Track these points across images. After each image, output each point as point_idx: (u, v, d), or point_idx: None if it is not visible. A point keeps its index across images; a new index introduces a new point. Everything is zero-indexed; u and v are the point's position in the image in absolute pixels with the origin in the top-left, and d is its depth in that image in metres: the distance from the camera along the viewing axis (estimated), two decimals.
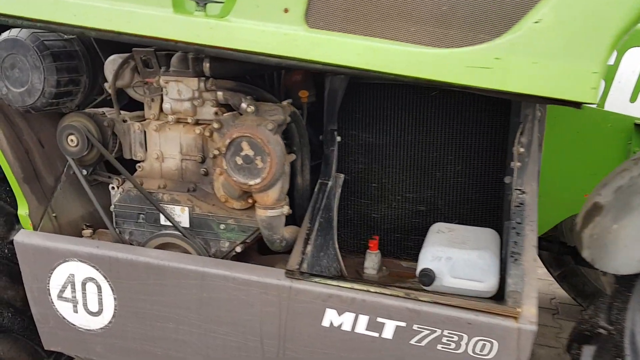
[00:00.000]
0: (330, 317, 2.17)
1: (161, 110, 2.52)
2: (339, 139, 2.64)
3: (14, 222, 2.77)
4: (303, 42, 1.78)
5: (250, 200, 2.41)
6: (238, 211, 2.44)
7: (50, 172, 2.72)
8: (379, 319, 2.11)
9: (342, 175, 2.70)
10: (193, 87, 2.36)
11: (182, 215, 2.49)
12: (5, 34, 2.50)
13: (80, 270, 2.44)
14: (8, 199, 2.75)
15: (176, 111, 2.45)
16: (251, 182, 2.25)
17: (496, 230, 2.56)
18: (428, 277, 2.34)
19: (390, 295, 2.10)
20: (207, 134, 2.39)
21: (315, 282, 2.18)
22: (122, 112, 2.65)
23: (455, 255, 2.36)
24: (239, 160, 2.25)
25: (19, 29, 2.49)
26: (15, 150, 2.60)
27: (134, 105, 2.68)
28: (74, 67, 2.56)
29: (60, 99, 2.55)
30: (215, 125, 2.28)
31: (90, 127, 2.54)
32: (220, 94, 2.36)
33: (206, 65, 2.32)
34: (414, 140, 2.75)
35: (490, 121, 2.62)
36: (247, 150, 2.24)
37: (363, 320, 2.13)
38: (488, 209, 2.74)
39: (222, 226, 2.45)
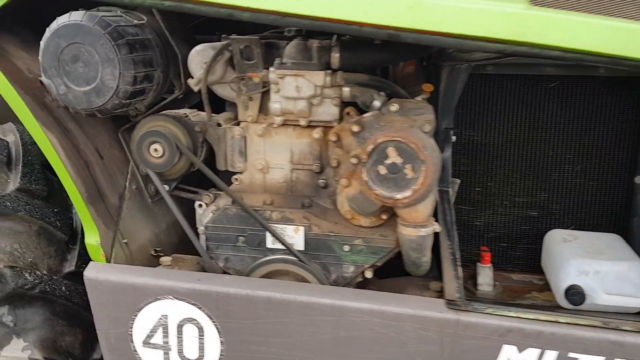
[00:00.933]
0: (508, 354, 1.82)
1: (260, 111, 2.08)
2: (454, 138, 2.29)
3: (65, 252, 2.26)
4: (535, 23, 1.40)
5: (384, 217, 2.02)
6: (366, 229, 2.04)
7: (113, 189, 2.21)
8: (571, 355, 1.78)
9: (457, 181, 2.35)
10: (317, 82, 1.93)
11: (295, 237, 2.06)
12: (64, 18, 1.98)
13: (177, 310, 1.98)
14: (57, 223, 2.24)
15: (287, 112, 2.01)
16: (398, 196, 1.86)
17: (619, 235, 2.29)
18: (579, 295, 2.04)
19: (586, 325, 1.77)
20: (332, 138, 1.97)
21: (489, 313, 1.82)
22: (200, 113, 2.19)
23: (604, 269, 2.07)
24: (382, 170, 1.86)
25: (83, 12, 1.98)
26: (76, 165, 2.09)
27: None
28: (149, 60, 2.07)
29: (133, 99, 2.06)
30: (355, 128, 1.87)
31: (178, 134, 2.06)
32: (346, 89, 1.94)
33: (335, 56, 1.91)
34: (527, 138, 2.43)
35: (618, 114, 2.33)
36: (393, 158, 1.84)
37: (551, 356, 1.79)
38: (610, 212, 2.46)
39: (346, 247, 2.04)
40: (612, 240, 2.29)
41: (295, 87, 1.95)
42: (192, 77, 2.11)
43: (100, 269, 2.04)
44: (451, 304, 1.84)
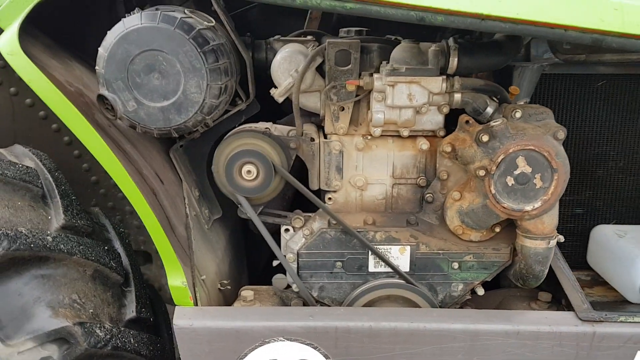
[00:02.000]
0: None
1: (351, 122, 1.88)
2: None
3: (121, 296, 1.92)
4: None
5: (497, 229, 1.91)
6: (477, 244, 1.92)
7: (179, 218, 1.91)
8: None
9: None
10: (433, 90, 1.78)
11: (401, 257, 1.90)
12: (134, 20, 1.66)
13: (289, 352, 1.74)
14: (112, 263, 1.89)
15: (390, 122, 1.83)
16: (528, 207, 1.76)
17: None
18: None
19: None
20: (446, 149, 1.82)
21: (622, 322, 1.78)
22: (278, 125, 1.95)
23: None
24: (510, 181, 1.75)
25: (156, 11, 1.67)
26: (145, 194, 1.76)
27: None
28: (227, 68, 1.80)
29: (211, 114, 1.78)
30: (485, 138, 1.73)
31: (271, 152, 1.81)
32: (458, 96, 1.81)
33: (454, 60, 1.76)
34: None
35: None
36: (523, 167, 1.74)
37: None
38: None
39: (455, 265, 1.91)
40: None
41: (408, 95, 1.78)
42: (275, 87, 1.87)
43: (193, 314, 1.74)
44: (585, 316, 1.78)
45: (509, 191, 1.76)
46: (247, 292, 1.92)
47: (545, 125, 1.77)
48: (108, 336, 1.75)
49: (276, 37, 2.08)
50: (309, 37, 2.06)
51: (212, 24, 1.80)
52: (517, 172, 1.75)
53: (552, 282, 1.97)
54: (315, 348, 1.75)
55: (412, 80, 1.76)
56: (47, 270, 1.69)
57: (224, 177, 1.79)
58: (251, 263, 2.51)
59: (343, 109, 1.87)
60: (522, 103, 1.91)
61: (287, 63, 1.84)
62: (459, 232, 1.89)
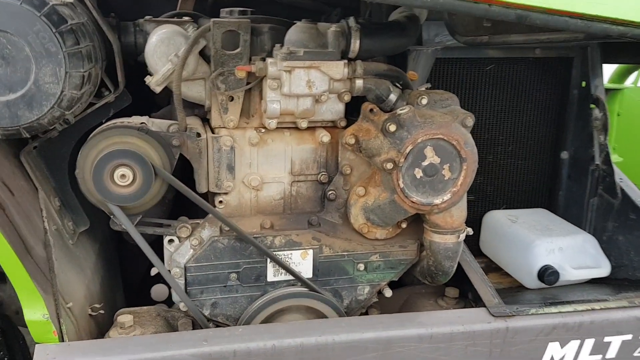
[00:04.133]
0: (552, 351, 1.76)
1: (242, 114, 1.66)
2: None
3: None
4: None
5: (403, 225, 1.78)
6: (383, 242, 1.78)
7: (35, 236, 1.57)
8: (606, 339, 1.79)
9: None
10: (336, 75, 1.59)
11: (302, 263, 1.71)
12: None
13: None
14: None
15: (287, 112, 1.62)
16: (437, 201, 1.65)
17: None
18: (555, 274, 2.09)
19: (616, 308, 1.80)
20: (349, 141, 1.65)
21: (533, 314, 1.73)
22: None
23: (565, 244, 2.17)
24: (418, 174, 1.62)
25: None
26: None
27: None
28: (89, 53, 1.49)
29: (71, 109, 1.47)
30: (392, 127, 1.57)
31: (150, 151, 1.52)
32: (359, 82, 1.64)
33: (356, 43, 1.59)
34: None
35: (545, 94, 2.43)
36: (431, 158, 1.62)
37: (588, 345, 1.78)
38: (536, 188, 2.57)
39: (361, 266, 1.76)
40: (546, 215, 2.39)
41: (307, 81, 1.57)
42: (150, 74, 1.59)
43: (58, 352, 1.42)
44: (497, 312, 1.71)
45: (417, 184, 1.63)
46: (124, 318, 1.62)
47: (452, 112, 1.65)
48: None
49: (147, 17, 1.79)
50: (185, 19, 1.80)
51: (70, 1, 1.48)
52: (425, 163, 1.62)
53: (457, 276, 1.89)
54: None
55: (312, 65, 1.56)
56: None
57: (92, 183, 1.48)
58: (127, 276, 2.19)
59: (232, 99, 1.63)
60: (423, 88, 1.79)
61: (165, 46, 1.56)
62: (364, 231, 1.74)
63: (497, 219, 2.35)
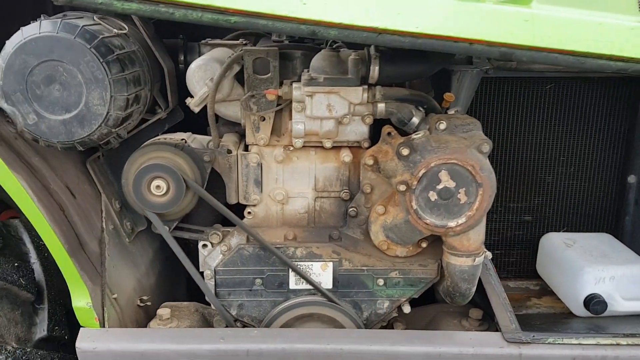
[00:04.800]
0: None
1: (273, 133, 1.80)
2: None
3: (33, 315, 1.84)
4: None
5: (423, 245, 1.83)
6: (403, 260, 1.84)
7: (92, 233, 1.82)
8: None
9: None
10: (354, 100, 1.69)
11: (322, 274, 1.82)
12: (32, 29, 1.57)
13: None
14: (21, 281, 1.81)
15: (311, 133, 1.75)
16: (451, 224, 1.69)
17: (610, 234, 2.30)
18: (601, 304, 2.01)
19: None
20: (368, 162, 1.74)
21: (550, 343, 1.71)
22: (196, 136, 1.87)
23: (618, 273, 2.07)
24: (433, 196, 1.67)
25: (57, 20, 1.58)
26: (50, 210, 1.68)
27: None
28: (137, 78, 1.71)
29: (120, 127, 1.70)
30: (405, 152, 1.65)
31: (183, 165, 1.72)
32: (382, 106, 1.73)
33: (375, 69, 1.68)
34: (519, 140, 2.35)
35: (611, 114, 2.33)
36: (446, 182, 1.67)
37: None
38: (601, 212, 2.47)
39: (380, 282, 1.84)
40: (607, 241, 2.29)
41: (327, 105, 1.70)
42: (191, 96, 1.78)
43: (97, 336, 1.66)
44: (511, 337, 1.71)
45: (432, 206, 1.68)
46: (163, 310, 1.84)
47: (471, 137, 1.68)
48: (10, 359, 1.67)
49: (207, 39, 1.99)
50: (239, 41, 1.98)
51: (124, 31, 1.72)
52: (440, 186, 1.67)
53: (485, 298, 1.90)
54: None
55: (331, 90, 1.68)
56: None
57: (132, 192, 1.71)
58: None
59: (264, 119, 1.79)
60: (452, 112, 1.83)
61: (202, 71, 1.75)
62: (384, 248, 1.82)
63: (553, 242, 2.31)
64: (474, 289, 1.81)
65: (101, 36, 1.59)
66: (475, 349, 1.69)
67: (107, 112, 1.61)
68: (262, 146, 1.80)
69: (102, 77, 1.58)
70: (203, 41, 2.00)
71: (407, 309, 1.87)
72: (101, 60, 1.57)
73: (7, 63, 1.56)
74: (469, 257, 1.74)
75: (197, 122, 1.96)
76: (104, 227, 1.86)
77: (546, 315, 2.24)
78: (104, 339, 1.65)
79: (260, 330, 1.74)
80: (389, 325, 1.97)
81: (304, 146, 1.79)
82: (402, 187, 1.66)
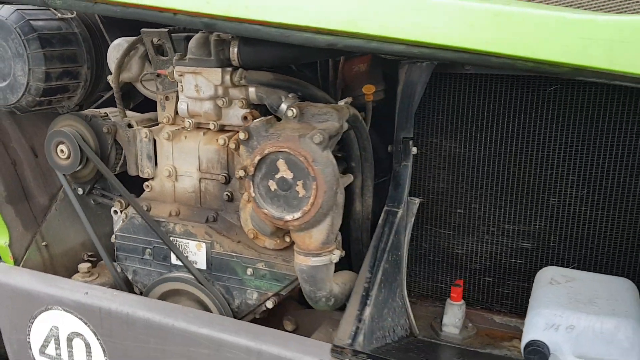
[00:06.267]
0: None
1: (177, 112, 1.89)
2: (414, 150, 1.93)
3: None
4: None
5: (287, 239, 1.74)
6: (271, 252, 1.77)
7: (44, 189, 2.14)
8: None
9: (417, 200, 1.98)
10: (215, 81, 1.71)
11: (197, 254, 1.85)
12: None
13: (65, 322, 1.84)
14: None
15: (194, 114, 1.81)
16: (288, 217, 1.57)
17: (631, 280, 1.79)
18: (540, 354, 1.61)
19: None
20: (232, 145, 1.73)
21: None
22: (130, 113, 2.04)
23: (581, 323, 1.61)
24: (273, 185, 1.59)
25: (3, 6, 1.93)
26: None
27: (151, 106, 2.07)
28: (70, 56, 1.97)
29: (53, 96, 1.97)
30: (242, 136, 1.61)
31: (86, 134, 1.94)
32: (252, 90, 1.70)
33: (234, 51, 1.67)
34: (520, 153, 1.97)
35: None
36: (284, 172, 1.57)
37: None
38: (622, 250, 1.94)
39: (249, 271, 1.79)
40: (618, 287, 1.80)
41: (195, 86, 1.74)
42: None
43: (4, 271, 1.96)
44: (336, 351, 1.53)
45: (272, 196, 1.60)
46: (83, 265, 2.06)
47: (314, 126, 1.56)
48: None
49: None
50: None
51: (68, 16, 2.00)
52: (278, 176, 1.58)
53: None
54: (85, 323, 1.82)
55: (194, 71, 1.72)
56: None
57: (46, 153, 1.97)
58: None
59: (168, 99, 1.90)
60: (344, 102, 1.71)
61: (115, 52, 1.93)
62: (251, 236, 1.77)
63: (545, 276, 1.93)
64: (321, 293, 1.65)
65: (28, 18, 1.89)
66: (292, 354, 1.55)
67: (28, 83, 1.90)
68: (166, 124, 1.91)
69: (22, 52, 1.88)
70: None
71: (269, 304, 1.78)
72: (22, 37, 1.87)
73: None
74: (307, 256, 1.60)
75: None
76: (63, 187, 2.15)
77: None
78: (5, 274, 1.94)
79: (119, 293, 1.84)
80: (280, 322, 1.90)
81: (199, 128, 1.85)
82: (241, 173, 1.62)
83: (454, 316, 1.98)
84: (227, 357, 1.63)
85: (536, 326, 1.64)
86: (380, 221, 1.86)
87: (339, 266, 1.87)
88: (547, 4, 1.04)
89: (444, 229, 2.14)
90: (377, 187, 2.00)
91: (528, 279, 2.04)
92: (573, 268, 1.95)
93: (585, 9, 1.01)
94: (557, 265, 1.96)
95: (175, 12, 1.25)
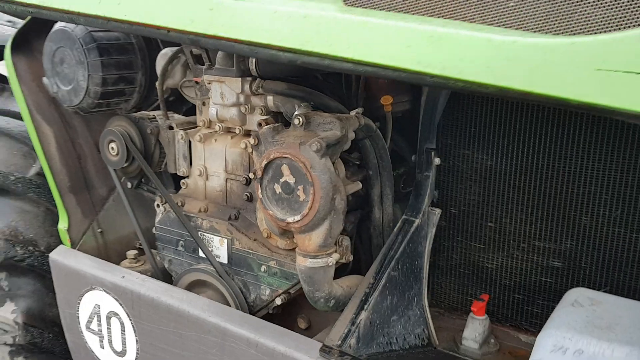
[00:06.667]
0: None
1: None
2: (437, 161, 1.96)
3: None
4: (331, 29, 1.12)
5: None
6: (282, 251, 1.88)
7: (104, 182, 2.39)
8: None
9: (437, 211, 1.99)
10: (236, 90, 1.85)
11: (220, 248, 1.99)
12: (60, 23, 2.21)
13: (105, 302, 2.07)
14: None
15: (222, 119, 1.96)
16: (290, 219, 1.67)
17: None
18: None
19: None
20: (249, 150, 1.86)
21: None
22: (177, 116, 2.23)
23: (591, 349, 1.56)
24: (278, 189, 1.69)
25: None
26: (65, 156, 2.31)
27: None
28: (126, 63, 2.19)
29: (111, 99, 2.20)
30: (252, 141, 1.74)
31: (133, 134, 2.15)
32: (270, 98, 1.82)
33: (252, 62, 1.80)
34: (552, 168, 1.92)
35: None
36: (287, 176, 1.67)
37: None
38: None
39: (263, 268, 1.91)
40: None
41: (220, 93, 1.89)
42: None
43: (62, 252, 2.22)
44: (325, 350, 1.60)
45: (277, 199, 1.71)
46: (131, 252, 2.28)
47: (309, 134, 1.65)
48: (26, 255, 2.36)
49: None
50: None
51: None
52: (282, 180, 1.68)
53: None
54: (121, 305, 2.03)
55: (220, 79, 1.87)
56: None
57: (101, 149, 2.20)
58: None
59: (205, 104, 2.06)
60: (354, 112, 1.79)
61: (162, 60, 2.13)
62: (265, 236, 1.89)
63: (570, 297, 1.90)
64: (319, 294, 1.72)
65: (90, 29, 2.14)
66: (285, 349, 1.65)
67: (87, 87, 2.14)
68: (202, 127, 2.08)
69: (83, 60, 2.12)
70: None
71: (278, 301, 1.88)
72: (83, 47, 2.11)
73: (45, 48, 2.24)
74: (305, 257, 1.68)
75: None
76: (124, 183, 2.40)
77: None
78: (63, 256, 2.20)
79: (147, 279, 2.03)
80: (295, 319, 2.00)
81: (228, 132, 2.00)
82: (252, 176, 1.74)
83: (474, 330, 1.97)
84: (231, 346, 1.76)
85: (544, 347, 1.61)
86: (395, 229, 1.90)
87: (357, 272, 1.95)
88: (498, 26, 1.06)
89: (474, 241, 2.13)
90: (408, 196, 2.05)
91: (557, 299, 1.98)
92: (605, 291, 1.88)
93: (534, 31, 1.02)
94: (589, 288, 1.89)
95: (168, 29, 1.39)
